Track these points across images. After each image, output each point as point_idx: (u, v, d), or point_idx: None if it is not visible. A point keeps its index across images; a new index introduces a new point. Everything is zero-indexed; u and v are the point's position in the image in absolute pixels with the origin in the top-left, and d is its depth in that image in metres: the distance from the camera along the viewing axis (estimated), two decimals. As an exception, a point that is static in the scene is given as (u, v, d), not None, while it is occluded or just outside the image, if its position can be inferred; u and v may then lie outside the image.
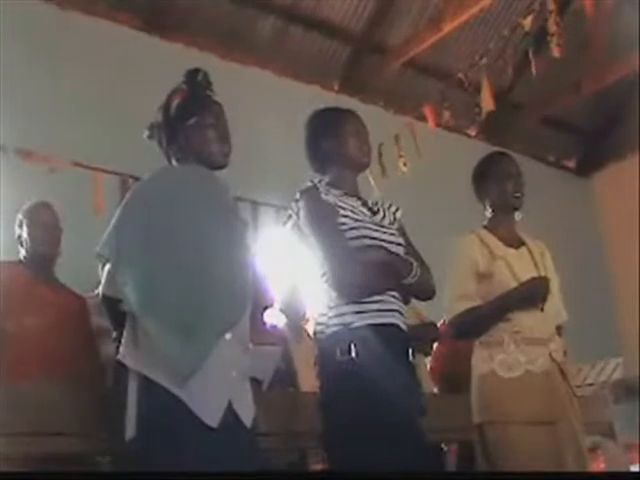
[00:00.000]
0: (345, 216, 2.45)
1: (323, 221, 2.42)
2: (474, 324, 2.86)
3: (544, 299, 2.81)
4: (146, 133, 2.35)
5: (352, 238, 2.42)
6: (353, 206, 2.51)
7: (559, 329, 3.02)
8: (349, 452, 2.25)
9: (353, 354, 2.29)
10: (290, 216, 2.52)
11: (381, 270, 2.40)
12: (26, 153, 4.66)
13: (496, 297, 2.82)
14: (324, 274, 2.40)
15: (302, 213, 2.45)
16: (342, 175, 2.56)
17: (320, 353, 2.42)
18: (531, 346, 2.79)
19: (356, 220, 2.47)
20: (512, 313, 2.81)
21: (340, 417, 2.28)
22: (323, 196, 2.47)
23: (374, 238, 2.46)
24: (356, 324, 2.34)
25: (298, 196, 2.48)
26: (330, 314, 2.38)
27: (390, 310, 2.42)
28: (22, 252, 3.31)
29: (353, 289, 2.37)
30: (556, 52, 5.09)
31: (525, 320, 2.81)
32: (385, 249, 2.46)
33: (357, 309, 2.36)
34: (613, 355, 5.14)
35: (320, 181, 2.53)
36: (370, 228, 2.48)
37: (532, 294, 2.81)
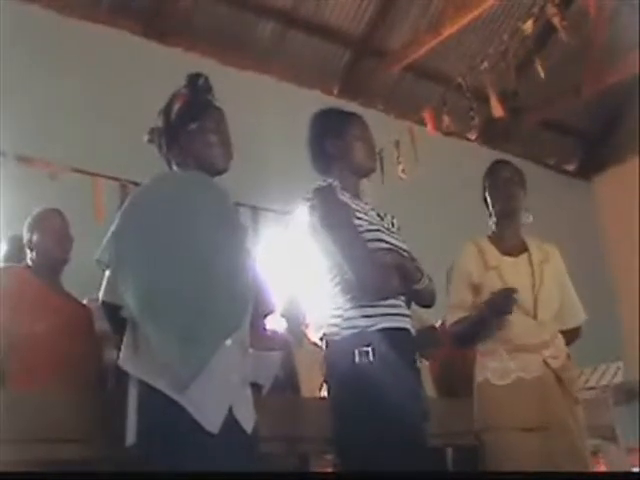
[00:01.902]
0: (359, 218, 2.44)
1: (342, 220, 2.39)
2: (464, 334, 2.90)
3: (506, 312, 2.78)
4: (146, 137, 2.35)
5: (368, 240, 2.40)
6: (365, 209, 2.51)
7: (575, 332, 3.03)
8: (364, 455, 2.24)
9: (371, 357, 2.28)
10: (297, 216, 2.48)
11: (397, 274, 2.40)
12: (26, 159, 4.65)
13: (477, 309, 2.85)
14: (335, 276, 2.39)
15: (318, 212, 2.40)
16: (347, 178, 2.54)
17: (332, 356, 2.40)
18: (523, 353, 2.81)
19: (370, 223, 2.46)
20: (491, 324, 2.81)
21: (355, 420, 2.27)
22: (339, 196, 2.46)
23: (388, 242, 2.46)
24: (374, 327, 2.33)
25: (311, 195, 2.44)
26: (345, 316, 2.36)
27: (402, 314, 2.42)
28: (30, 257, 3.30)
29: (374, 290, 2.36)
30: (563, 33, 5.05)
31: (516, 328, 2.82)
32: (398, 253, 2.46)
33: (371, 312, 2.35)
34: (614, 359, 5.14)
35: (334, 181, 2.50)
36: (383, 232, 2.48)
37: (496, 306, 2.79)
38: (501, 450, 2.73)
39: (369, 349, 2.28)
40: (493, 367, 2.82)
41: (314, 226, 2.42)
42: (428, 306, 2.57)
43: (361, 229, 2.41)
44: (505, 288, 2.79)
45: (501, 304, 2.77)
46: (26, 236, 3.32)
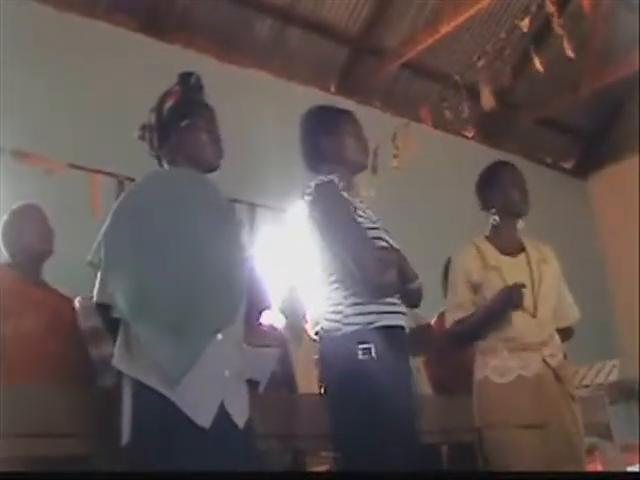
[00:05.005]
0: (361, 216, 2.44)
1: (346, 216, 2.39)
2: (465, 333, 2.92)
3: (517, 306, 2.82)
4: (137, 133, 2.35)
5: (370, 238, 2.41)
6: (363, 207, 2.51)
7: (568, 330, 3.05)
8: (365, 451, 2.24)
9: (374, 354, 2.28)
10: (296, 211, 2.47)
11: (397, 272, 2.40)
12: (23, 155, 4.64)
13: (480, 306, 2.87)
14: (333, 272, 2.38)
15: (320, 206, 2.40)
16: (340, 176, 2.52)
17: (329, 353, 2.39)
18: (524, 351, 2.83)
19: (371, 221, 2.46)
20: (497, 321, 2.83)
21: (355, 416, 2.27)
22: (342, 192, 2.45)
23: (387, 241, 2.46)
24: (374, 325, 2.33)
25: (312, 190, 2.43)
26: (345, 313, 2.36)
27: (400, 312, 2.43)
28: (9, 253, 3.29)
29: (376, 286, 2.35)
30: (569, 52, 5.06)
31: (517, 326, 2.84)
32: (397, 252, 2.46)
33: (371, 309, 2.35)
34: (610, 357, 5.15)
35: (335, 177, 2.48)
36: (382, 230, 2.48)
37: (505, 302, 2.82)
38: (502, 447, 2.75)
39: (371, 346, 2.28)
40: (493, 365, 2.84)
41: (315, 221, 2.41)
42: (415, 306, 2.58)
43: (363, 226, 2.41)
44: (515, 283, 2.82)
45: (512, 298, 2.80)
46: (3, 234, 3.30)
